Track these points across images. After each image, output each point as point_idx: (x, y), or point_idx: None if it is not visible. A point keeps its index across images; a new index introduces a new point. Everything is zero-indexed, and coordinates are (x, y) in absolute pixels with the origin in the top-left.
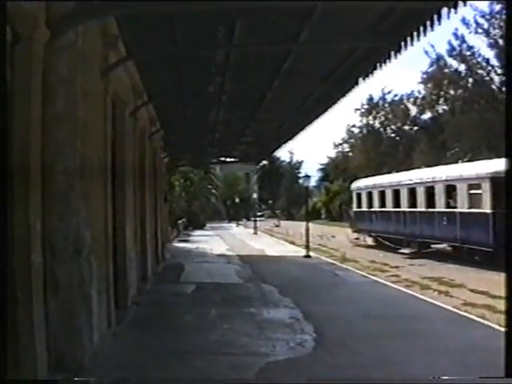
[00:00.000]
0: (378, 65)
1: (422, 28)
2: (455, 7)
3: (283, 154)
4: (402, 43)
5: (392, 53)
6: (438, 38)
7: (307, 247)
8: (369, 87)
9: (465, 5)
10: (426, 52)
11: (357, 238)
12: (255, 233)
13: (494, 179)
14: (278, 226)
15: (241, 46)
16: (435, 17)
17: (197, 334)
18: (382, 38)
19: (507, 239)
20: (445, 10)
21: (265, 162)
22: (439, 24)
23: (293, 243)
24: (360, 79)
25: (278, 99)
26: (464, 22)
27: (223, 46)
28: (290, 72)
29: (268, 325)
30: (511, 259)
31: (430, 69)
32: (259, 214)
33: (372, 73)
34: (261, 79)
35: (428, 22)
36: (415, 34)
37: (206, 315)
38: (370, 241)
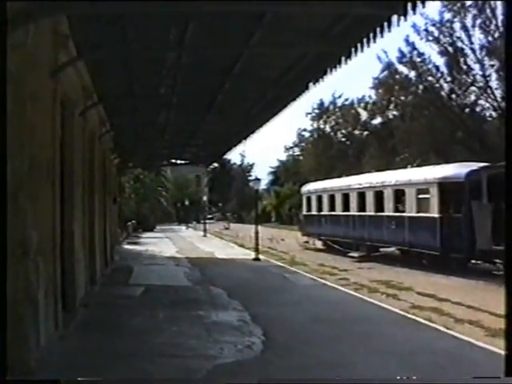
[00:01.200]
0: (328, 70)
1: (372, 34)
2: (405, 15)
3: (234, 156)
4: (353, 49)
5: (342, 58)
6: (390, 43)
7: (256, 250)
8: (321, 91)
9: (414, 13)
10: (379, 57)
11: (306, 242)
12: (205, 235)
13: (442, 184)
14: (227, 228)
15: (192, 48)
16: (385, 24)
17: (145, 336)
18: (332, 43)
19: (507, 239)
20: (395, 18)
21: (215, 165)
22: (389, 31)
23: (242, 246)
24: (310, 84)
25: (228, 102)
26: (415, 29)
27: (175, 48)
28: (240, 75)
29: (216, 327)
30: (511, 260)
31: (382, 74)
32: (209, 216)
33: (322, 77)
34: (211, 82)
35: (378, 29)
36: (365, 40)
37: (155, 317)
38: (319, 244)
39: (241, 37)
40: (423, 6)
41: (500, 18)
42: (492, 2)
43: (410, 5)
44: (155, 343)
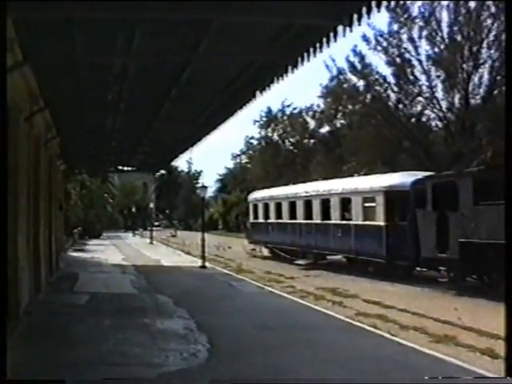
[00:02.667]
0: (275, 79)
1: (318, 44)
2: (350, 25)
3: (182, 163)
4: (299, 58)
5: (289, 67)
6: (340, 52)
7: (203, 258)
8: (270, 99)
9: (359, 24)
10: (327, 66)
11: (253, 249)
12: (151, 243)
13: (388, 193)
14: (174, 236)
15: (139, 54)
16: (331, 34)
17: (89, 344)
18: (279, 52)
19: (508, 237)
20: (340, 28)
21: (163, 172)
22: (335, 41)
23: (189, 253)
24: (257, 92)
25: (176, 109)
26: (365, 39)
27: (122, 54)
28: (188, 82)
29: (162, 335)
30: (510, 262)
31: (330, 83)
32: (156, 223)
33: (269, 86)
34: (159, 89)
35: (324, 39)
36: (312, 49)
37: (99, 326)
38: (266, 252)
39: (188, 44)
40: (368, 17)
41: (446, 30)
42: (438, 14)
43: (355, 16)
44: (100, 352)
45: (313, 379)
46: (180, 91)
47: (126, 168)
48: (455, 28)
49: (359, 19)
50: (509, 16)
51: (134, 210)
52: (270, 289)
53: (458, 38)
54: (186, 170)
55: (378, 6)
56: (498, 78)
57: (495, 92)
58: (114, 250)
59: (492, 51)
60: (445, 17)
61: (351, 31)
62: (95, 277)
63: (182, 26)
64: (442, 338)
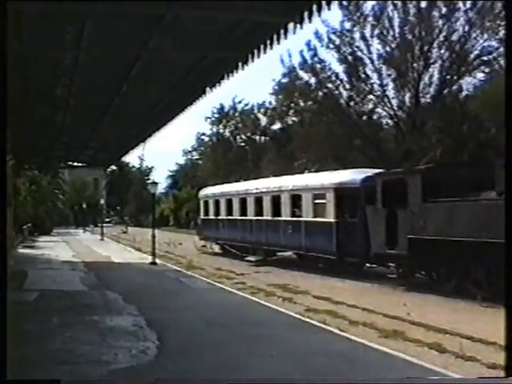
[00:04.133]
0: (225, 75)
1: (269, 41)
2: (301, 23)
3: (133, 159)
4: (250, 55)
5: (239, 64)
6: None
7: (153, 254)
8: (221, 96)
9: (310, 21)
10: (282, 61)
11: (204, 246)
12: (102, 239)
13: (338, 190)
14: (125, 232)
15: (89, 48)
16: (282, 31)
17: (37, 342)
18: (230, 48)
19: (508, 240)
20: (291, 25)
21: (114, 168)
22: (285, 38)
23: (139, 250)
24: (207, 88)
25: (126, 104)
26: (317, 36)
27: (71, 49)
28: (138, 77)
29: (111, 332)
30: (510, 262)
31: (283, 80)
32: (107, 220)
33: (219, 82)
34: (109, 83)
35: (275, 36)
36: (262, 46)
37: (48, 323)
38: (217, 248)
39: (139, 39)
40: (319, 15)
41: (397, 29)
42: (390, 13)
43: (306, 13)
44: (47, 349)
45: (313, 379)
46: (130, 86)
47: (76, 163)
48: (406, 27)
49: (310, 17)
50: (509, 16)
51: (84, 206)
52: (220, 285)
53: (409, 37)
54: (138, 165)
55: (329, 4)
56: (448, 77)
57: (445, 91)
58: (64, 247)
59: (442, 51)
60: (396, 16)
61: (302, 28)
62: (45, 274)
63: (132, 20)
64: (390, 333)
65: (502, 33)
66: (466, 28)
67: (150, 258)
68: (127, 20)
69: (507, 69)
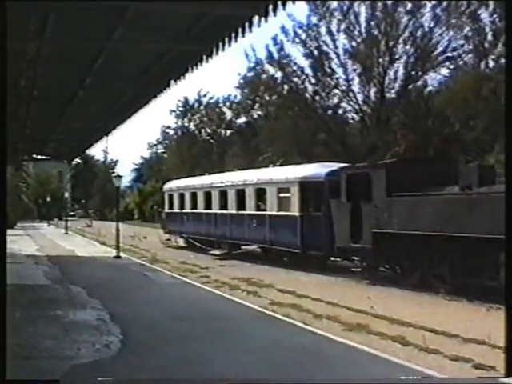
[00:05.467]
0: (189, 68)
1: (233, 34)
2: (265, 16)
3: (98, 153)
4: (214, 48)
5: (204, 57)
6: (260, 43)
7: (117, 248)
8: (187, 89)
9: (275, 14)
10: (247, 55)
11: (168, 240)
12: (66, 233)
13: (303, 183)
14: (90, 226)
15: (53, 40)
16: (246, 24)
17: None
18: (194, 41)
19: (508, 239)
20: (256, 18)
21: (78, 161)
22: (250, 31)
23: (104, 244)
24: (172, 81)
25: (90, 96)
26: (283, 30)
27: (34, 39)
28: (102, 70)
29: (74, 327)
30: (510, 261)
31: (248, 74)
32: (72, 213)
33: (184, 75)
34: (73, 76)
35: (240, 29)
36: (227, 39)
37: (10, 318)
38: (181, 242)
39: (102, 31)
40: (283, 8)
41: (363, 24)
42: (356, 8)
43: (271, 6)
44: (9, 345)
45: (313, 379)
46: (94, 79)
47: (40, 156)
48: (372, 23)
49: (274, 10)
50: (509, 16)
51: (49, 199)
52: (184, 279)
53: (375, 32)
54: (102, 159)
55: None
56: (413, 73)
57: (410, 87)
58: (28, 241)
59: (407, 47)
60: (363, 11)
61: (266, 21)
62: (8, 268)
63: (96, 12)
64: (354, 327)
65: (466, 29)
66: (432, 24)
67: (114, 252)
68: (91, 12)
69: (507, 68)
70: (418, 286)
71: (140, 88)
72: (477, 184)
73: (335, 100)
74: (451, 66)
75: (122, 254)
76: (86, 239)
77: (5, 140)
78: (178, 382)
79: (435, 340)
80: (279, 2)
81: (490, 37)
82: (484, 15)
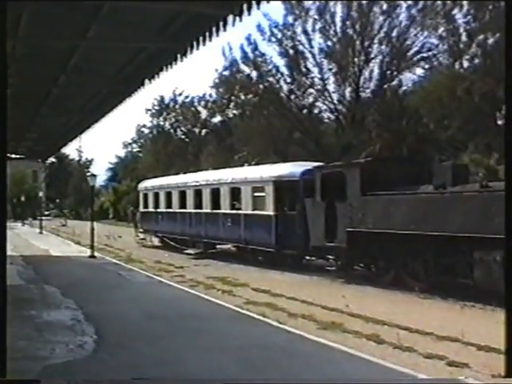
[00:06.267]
0: (164, 67)
1: (208, 33)
2: (240, 15)
3: (72, 152)
4: (188, 47)
5: (178, 56)
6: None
7: (92, 247)
8: (162, 88)
9: (249, 14)
10: (224, 54)
11: (143, 239)
12: (41, 232)
13: (277, 183)
14: (64, 225)
15: (27, 37)
16: (221, 23)
17: None
18: (168, 40)
19: (508, 239)
20: (230, 18)
21: (53, 160)
22: (224, 30)
23: (79, 243)
24: (146, 80)
25: (64, 95)
26: (260, 29)
27: (8, 37)
28: (76, 68)
29: (48, 327)
30: (510, 263)
31: (224, 73)
32: (46, 213)
33: (158, 74)
34: (47, 74)
35: (214, 28)
36: (201, 38)
37: None
38: (156, 241)
39: (77, 29)
40: (258, 8)
41: (339, 24)
42: (332, 8)
43: (245, 5)
44: None
45: (313, 379)
46: (69, 77)
47: (14, 156)
48: (348, 23)
49: (249, 9)
50: (509, 16)
51: (23, 199)
52: (159, 278)
53: (351, 32)
54: (77, 158)
55: None
56: (388, 72)
57: (385, 86)
58: None
59: (383, 47)
60: (338, 11)
61: (241, 21)
62: None
63: (71, 10)
64: (329, 325)
65: (441, 30)
66: (407, 24)
67: (89, 252)
68: (65, 9)
69: (507, 68)
70: (393, 285)
71: (115, 86)
72: (451, 183)
73: (310, 99)
74: (426, 66)
75: (96, 254)
76: (61, 239)
77: (5, 140)
78: (178, 382)
79: (409, 338)
80: (253, 2)
81: (464, 37)
82: (458, 16)
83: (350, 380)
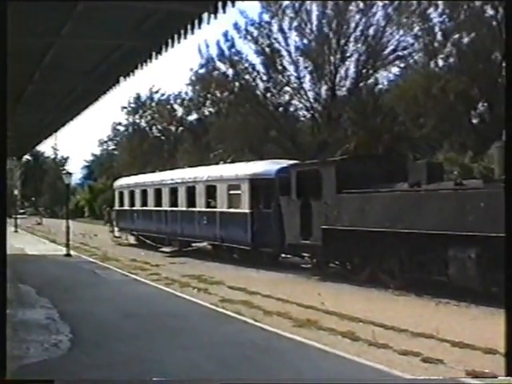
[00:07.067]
0: (139, 64)
1: (183, 31)
2: (215, 13)
3: (48, 150)
4: (163, 45)
5: (153, 53)
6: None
7: (68, 246)
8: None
9: (224, 12)
10: (200, 51)
11: (119, 237)
12: (16, 231)
13: (253, 180)
14: (40, 223)
15: None
16: (196, 21)
17: None
18: (143, 38)
19: (508, 238)
20: (205, 16)
21: (28, 158)
22: (199, 28)
23: (54, 242)
24: (121, 77)
25: (39, 93)
26: (236, 27)
27: None
28: (51, 66)
29: (23, 326)
30: (510, 262)
31: (200, 71)
32: (21, 211)
33: (133, 72)
34: (21, 71)
35: (189, 26)
36: (176, 36)
37: None
38: (132, 239)
39: (51, 27)
40: (233, 5)
41: (315, 22)
42: (308, 6)
43: (220, 3)
44: None
45: (313, 379)
46: (43, 75)
47: None
48: (324, 21)
49: (224, 7)
50: (509, 16)
51: None
52: (135, 277)
53: (327, 30)
54: (52, 156)
55: None
56: (364, 71)
57: (361, 84)
58: None
59: (359, 45)
60: (314, 9)
61: (216, 19)
62: None
63: (45, 7)
64: (304, 323)
65: (416, 29)
66: (383, 23)
67: (64, 250)
68: (40, 6)
69: (507, 68)
70: (368, 282)
71: (90, 84)
72: (425, 181)
73: (286, 97)
74: (401, 65)
75: (72, 252)
76: (36, 237)
77: (5, 140)
78: (177, 382)
79: (384, 335)
80: (228, 0)
81: (439, 36)
82: (434, 15)
83: (350, 380)
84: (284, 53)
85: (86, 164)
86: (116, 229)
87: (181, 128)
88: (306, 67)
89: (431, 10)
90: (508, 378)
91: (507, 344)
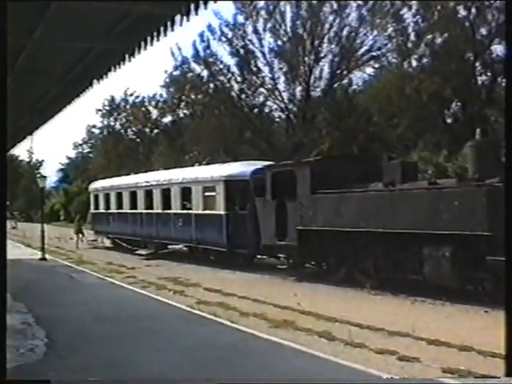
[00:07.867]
0: (112, 67)
1: (155, 33)
2: (187, 15)
3: (22, 153)
4: (136, 47)
5: (126, 56)
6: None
7: (43, 250)
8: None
9: (196, 13)
10: (173, 54)
11: (94, 240)
12: None
13: (228, 182)
14: (14, 227)
15: None
16: (169, 23)
17: None
18: (116, 40)
19: (508, 239)
20: (178, 17)
21: None
22: (172, 30)
23: (29, 246)
24: (95, 80)
25: (11, 95)
26: (210, 29)
27: None
28: (23, 68)
29: None
30: (510, 261)
31: (174, 73)
32: None
33: (106, 74)
34: None
35: (162, 28)
36: (149, 38)
37: None
38: (108, 242)
39: (23, 28)
40: (205, 8)
41: (289, 23)
42: (282, 7)
43: (192, 5)
44: None
45: (313, 379)
46: (15, 77)
47: None
48: (298, 22)
49: (196, 9)
50: (509, 16)
51: None
52: (111, 280)
53: (301, 31)
54: (27, 159)
55: None
56: (338, 71)
57: (335, 85)
58: None
59: (333, 46)
60: (288, 11)
61: (188, 21)
62: None
63: (17, 8)
64: (281, 323)
65: (390, 29)
66: (356, 24)
67: (40, 254)
68: (11, 8)
69: (506, 67)
70: (344, 282)
71: (63, 87)
72: (400, 180)
73: (261, 98)
74: (375, 65)
75: (47, 256)
76: (11, 241)
77: (5, 140)
78: (177, 381)
79: (361, 334)
80: (201, 2)
81: (412, 37)
82: (407, 15)
83: (349, 380)
84: (258, 54)
85: (61, 167)
86: (80, 241)
87: (156, 130)
88: (280, 68)
89: (405, 10)
90: (508, 378)
91: (507, 345)
